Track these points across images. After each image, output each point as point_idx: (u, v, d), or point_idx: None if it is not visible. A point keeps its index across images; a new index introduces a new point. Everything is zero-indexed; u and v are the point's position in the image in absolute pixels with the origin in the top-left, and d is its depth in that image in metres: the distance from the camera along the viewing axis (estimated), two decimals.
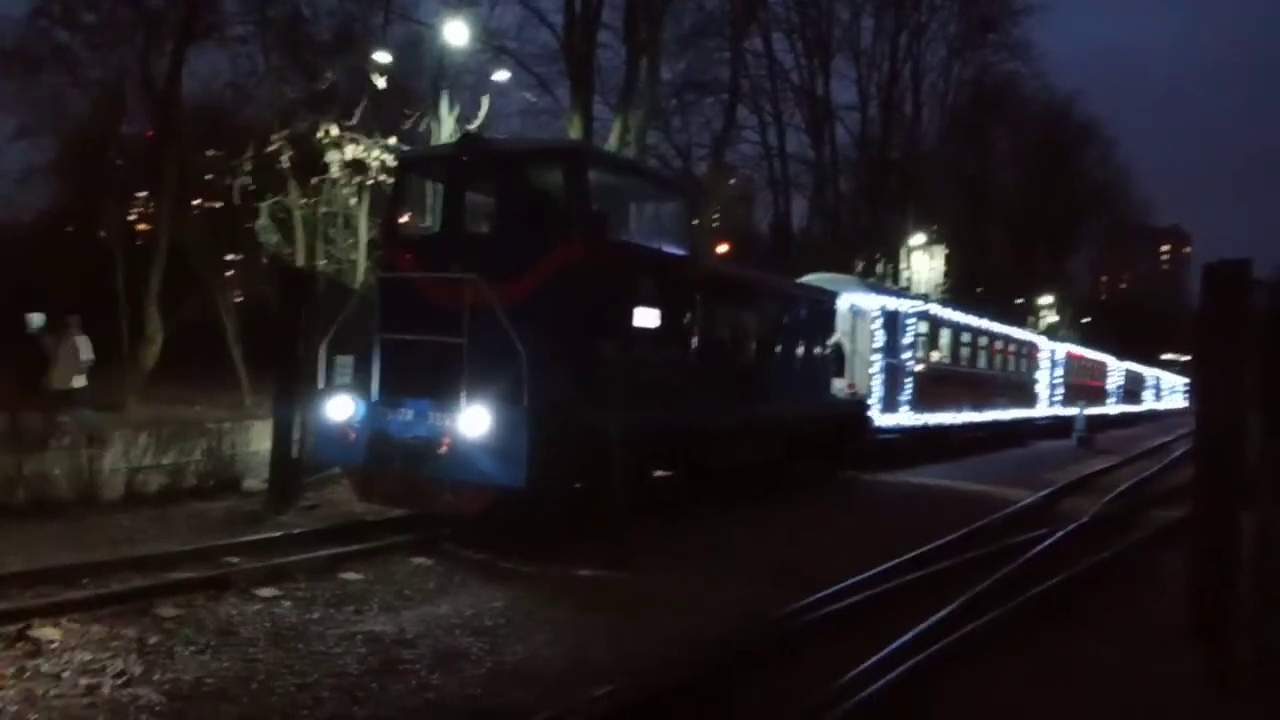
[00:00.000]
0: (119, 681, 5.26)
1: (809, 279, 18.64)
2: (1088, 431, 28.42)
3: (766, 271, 17.95)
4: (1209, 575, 6.63)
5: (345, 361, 10.14)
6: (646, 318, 9.93)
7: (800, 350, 14.36)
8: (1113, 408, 40.45)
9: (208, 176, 23.39)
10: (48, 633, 5.91)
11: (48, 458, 10.03)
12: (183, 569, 7.54)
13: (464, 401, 8.41)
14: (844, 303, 17.15)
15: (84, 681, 5.25)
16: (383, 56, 18.57)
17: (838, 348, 16.32)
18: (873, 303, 18.31)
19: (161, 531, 9.06)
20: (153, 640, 5.97)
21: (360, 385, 9.35)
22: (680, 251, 10.83)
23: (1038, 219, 53.08)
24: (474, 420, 8.35)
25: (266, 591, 7.13)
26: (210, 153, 22.55)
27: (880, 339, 18.09)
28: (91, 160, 26.05)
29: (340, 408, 9.13)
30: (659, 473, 11.42)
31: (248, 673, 5.52)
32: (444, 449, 8.47)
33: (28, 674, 5.31)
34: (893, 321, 18.49)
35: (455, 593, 7.49)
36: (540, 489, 8.43)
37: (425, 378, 8.81)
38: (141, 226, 30.62)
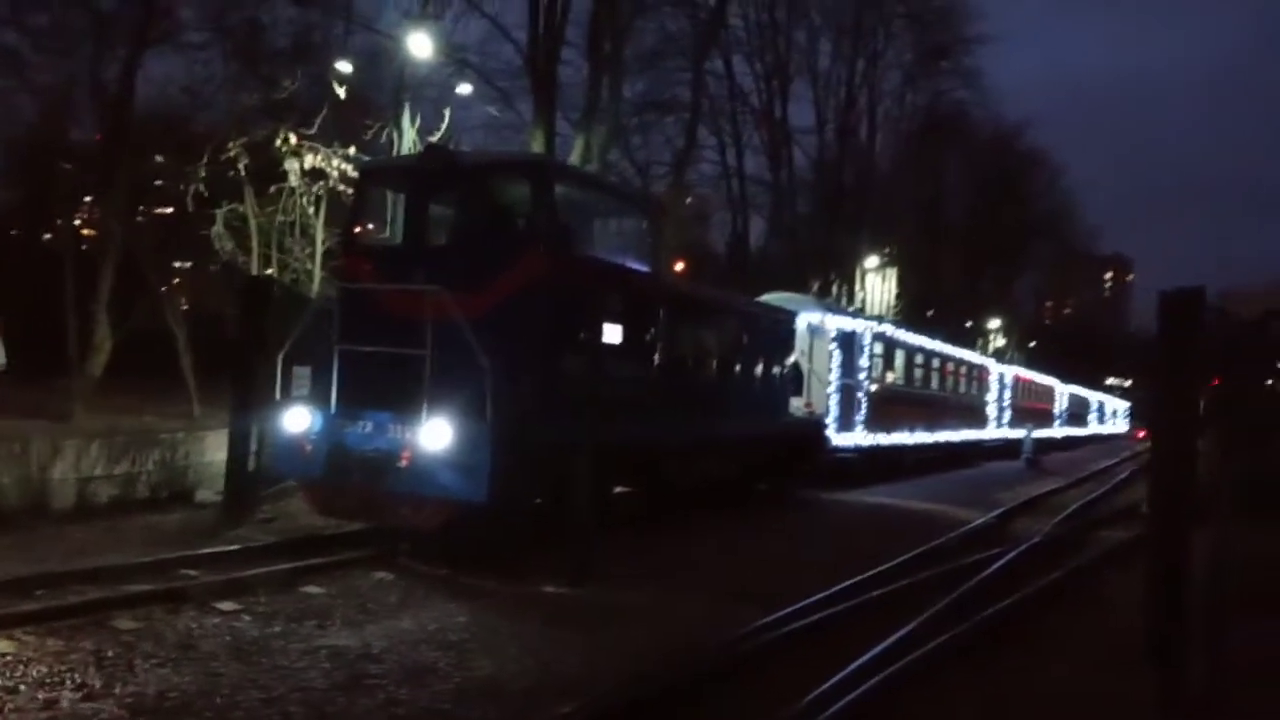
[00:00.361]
0: (78, 695, 5.15)
1: (768, 298, 18.80)
2: (1035, 453, 29.02)
3: (728, 290, 18.12)
4: (1163, 596, 6.79)
5: (303, 373, 10.03)
6: (609, 333, 9.93)
7: (760, 369, 14.47)
8: (1059, 430, 41.29)
9: (158, 182, 23.02)
10: (2, 645, 5.76)
11: None
12: (139, 581, 7.39)
13: (425, 414, 8.32)
14: (802, 322, 17.34)
15: (42, 695, 5.12)
16: (344, 66, 18.49)
17: (796, 367, 16.48)
18: (830, 323, 18.58)
19: (115, 543, 8.87)
20: (111, 653, 5.84)
21: (318, 397, 9.17)
22: (643, 267, 10.88)
23: (987, 243, 54.16)
24: (435, 433, 8.27)
25: (226, 605, 7.02)
26: (160, 159, 22.20)
27: (837, 359, 18.36)
28: (39, 165, 25.53)
29: (297, 419, 9.00)
30: (619, 489, 11.47)
31: (211, 686, 5.43)
32: (404, 462, 8.38)
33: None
34: (849, 342, 18.77)
35: (418, 607, 7.43)
36: (501, 504, 8.37)
37: (385, 390, 8.70)
38: (88, 232, 30.05)
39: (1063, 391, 43.92)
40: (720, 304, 14.14)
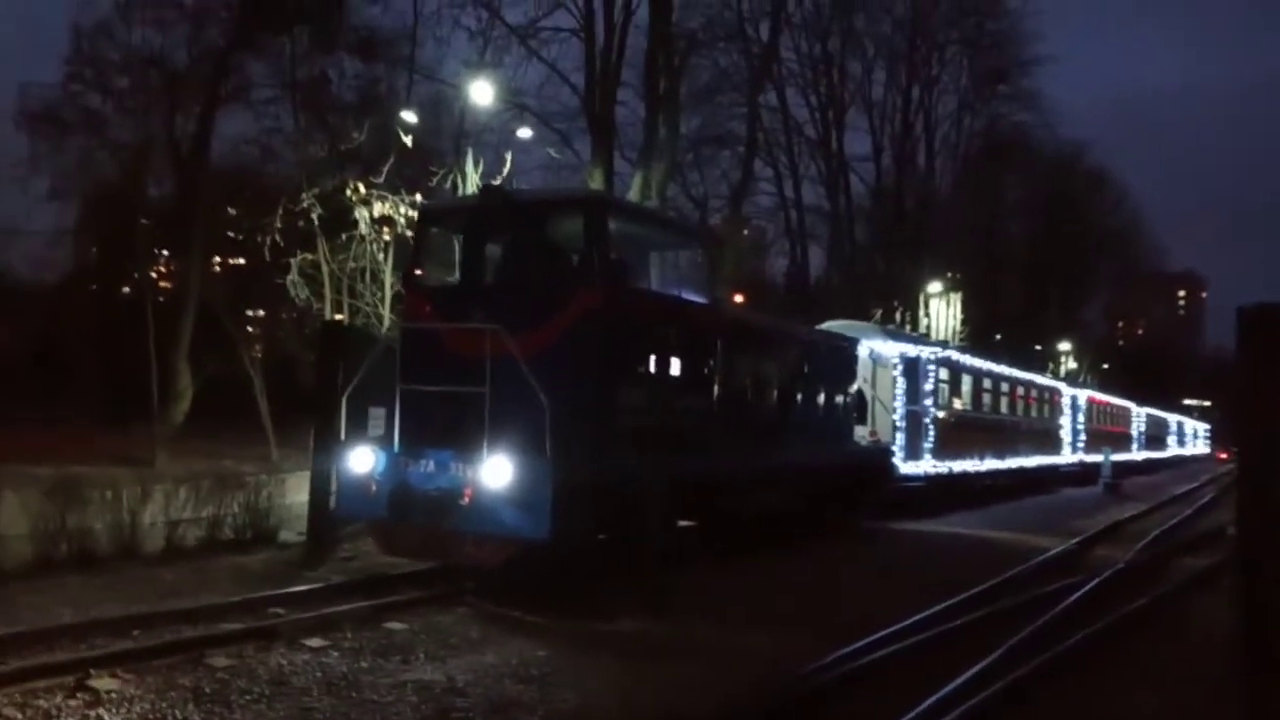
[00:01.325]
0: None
1: (829, 326, 18.67)
2: (1114, 478, 28.30)
3: (787, 319, 18.05)
4: (1253, 616, 6.63)
5: (378, 413, 10.24)
6: (669, 366, 9.87)
7: (822, 398, 14.27)
8: (1137, 454, 40.17)
9: (232, 235, 23.83)
10: (106, 683, 5.98)
11: (89, 511, 10.15)
12: (230, 620, 7.61)
13: (486, 452, 8.40)
14: (864, 349, 17.14)
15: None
16: (408, 115, 19.03)
17: (859, 395, 16.30)
18: (893, 349, 18.30)
19: (204, 583, 9.14)
20: (208, 690, 6.04)
21: (382, 436, 9.32)
22: (701, 299, 10.89)
23: (1050, 266, 53.31)
24: (496, 471, 8.32)
25: (314, 641, 7.19)
26: (233, 211, 23.03)
27: (901, 386, 18.05)
28: (117, 220, 26.62)
29: (362, 459, 9.13)
30: (682, 522, 11.44)
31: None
32: (466, 500, 8.46)
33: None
34: (913, 368, 18.47)
35: (499, 642, 7.53)
36: (563, 540, 8.35)
37: (446, 428, 8.80)
38: (164, 284, 31.17)
39: (1139, 413, 42.75)
40: (779, 333, 14.06)
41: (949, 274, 43.81)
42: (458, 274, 10.87)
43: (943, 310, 45.34)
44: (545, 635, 7.74)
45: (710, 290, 11.25)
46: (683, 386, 9.98)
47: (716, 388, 10.90)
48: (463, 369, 8.69)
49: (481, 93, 18.79)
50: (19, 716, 5.41)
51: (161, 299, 28.17)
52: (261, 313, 26.88)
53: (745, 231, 55.69)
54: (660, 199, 23.86)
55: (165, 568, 9.83)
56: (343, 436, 9.47)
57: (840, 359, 15.22)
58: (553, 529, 8.14)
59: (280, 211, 17.64)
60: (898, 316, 39.80)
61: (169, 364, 23.17)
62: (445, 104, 25.39)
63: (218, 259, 27.75)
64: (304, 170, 19.46)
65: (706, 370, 10.77)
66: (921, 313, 42.17)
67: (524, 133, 21.38)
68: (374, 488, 8.97)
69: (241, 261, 25.84)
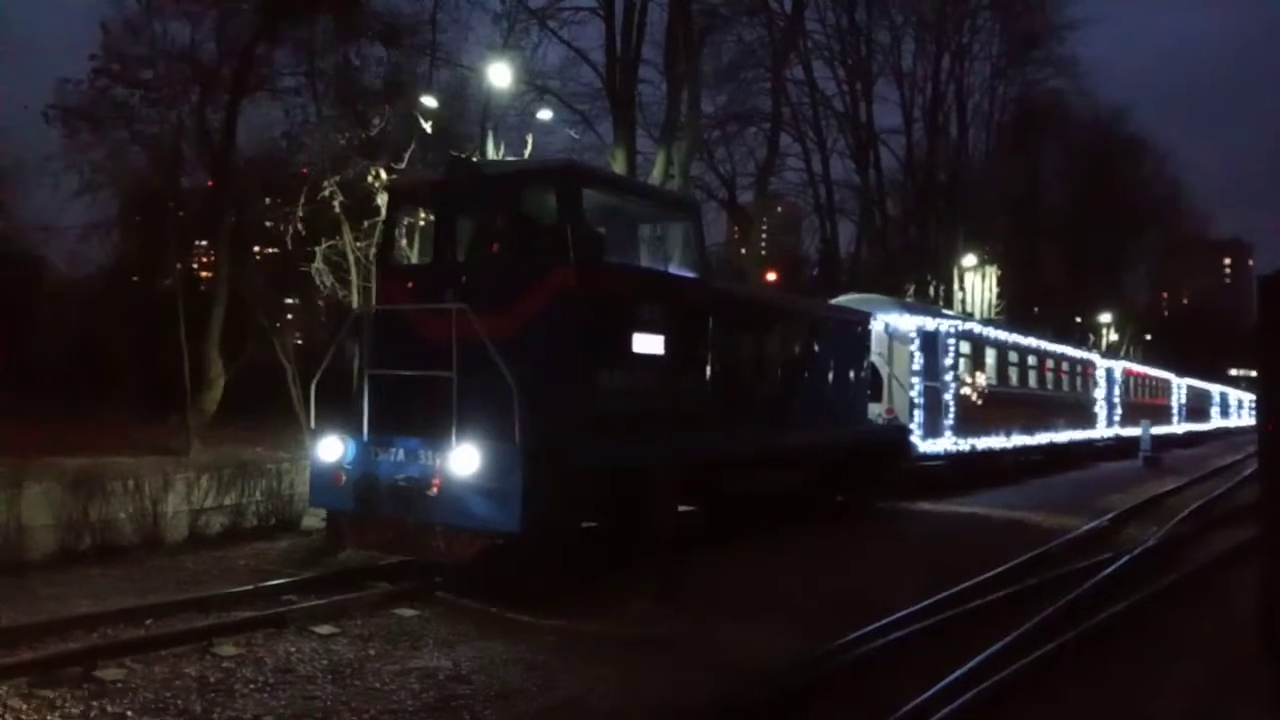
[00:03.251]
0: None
1: (843, 300, 18.15)
2: (1154, 451, 27.72)
3: (790, 292, 17.60)
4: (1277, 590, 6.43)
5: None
6: (652, 345, 9.38)
7: (831, 374, 13.76)
8: (1177, 426, 39.32)
9: (266, 224, 24.00)
10: (111, 673, 6.04)
11: (113, 502, 10.26)
12: (243, 608, 7.64)
13: (454, 440, 7.94)
14: (878, 324, 16.48)
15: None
16: (429, 101, 18.99)
17: (873, 370, 15.61)
18: (909, 323, 17.56)
19: (223, 572, 9.21)
20: (213, 679, 6.07)
21: (351, 425, 8.81)
22: (687, 273, 10.37)
23: (1090, 236, 52.29)
24: (464, 460, 7.87)
25: (324, 629, 7.21)
26: (266, 200, 23.17)
27: (919, 361, 17.33)
28: (153, 213, 26.92)
29: (330, 449, 8.70)
30: (682, 507, 10.71)
31: (304, 710, 5.59)
32: (434, 491, 8.01)
33: (93, 715, 5.42)
34: (931, 342, 17.75)
35: (508, 628, 7.48)
36: (538, 532, 7.89)
37: (416, 415, 8.42)
38: (205, 274, 31.55)
39: (1179, 384, 41.74)
40: (780, 308, 13.51)
41: (984, 247, 43.17)
42: (429, 252, 10.26)
43: (978, 284, 44.74)
44: (558, 619, 7.65)
45: (699, 263, 10.65)
46: (671, 365, 9.51)
47: (709, 366, 10.36)
48: (430, 352, 8.29)
49: (500, 75, 18.68)
50: (23, 708, 5.46)
51: (203, 288, 28.54)
52: (298, 301, 27.13)
53: (779, 209, 55.43)
54: (683, 178, 23.66)
55: (187, 556, 9.93)
56: (312, 425, 9.05)
57: (851, 334, 14.63)
58: (524, 520, 7.68)
59: (303, 200, 17.74)
60: (931, 291, 39.38)
61: (202, 354, 23.44)
62: (469, 89, 25.34)
63: (257, 249, 28.01)
64: (327, 157, 19.55)
65: (697, 348, 10.22)
66: (956, 287, 41.64)
67: (544, 114, 21.29)
68: (343, 478, 8.59)
69: (275, 251, 26.04)
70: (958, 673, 6.03)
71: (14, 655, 6.24)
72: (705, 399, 10.19)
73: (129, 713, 5.46)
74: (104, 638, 6.75)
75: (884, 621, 7.34)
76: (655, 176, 23.24)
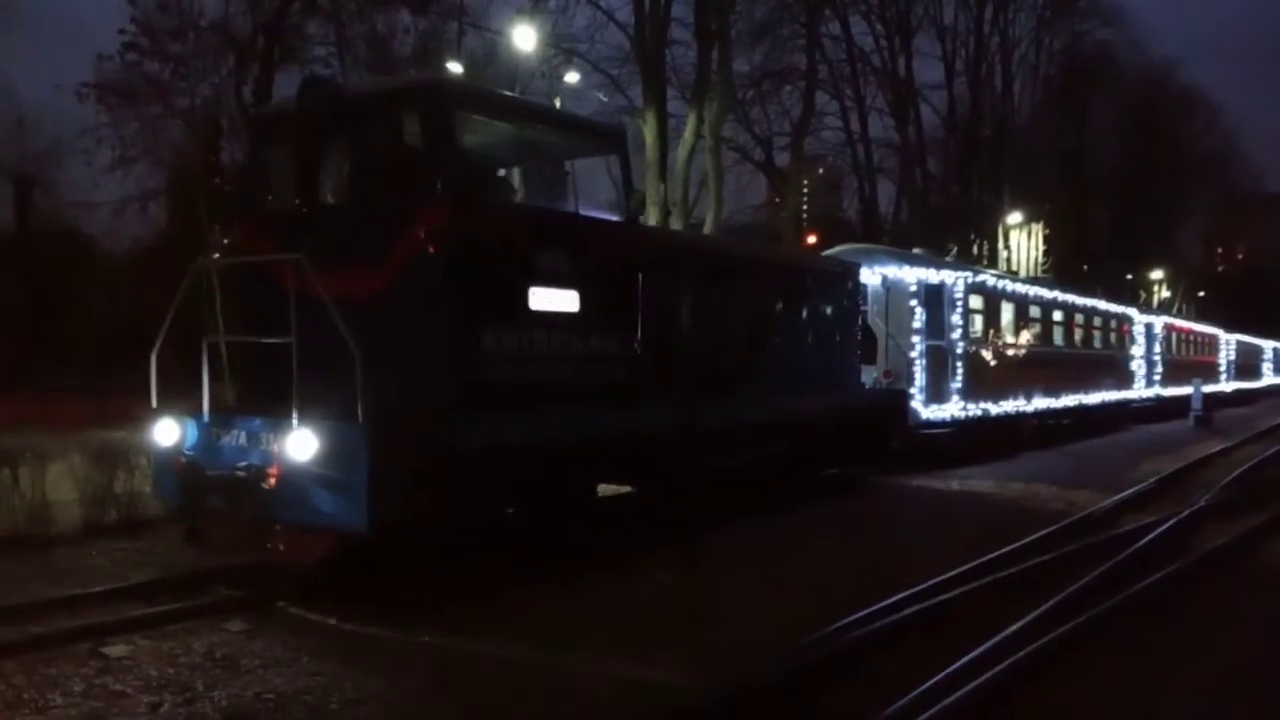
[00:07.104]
0: (180, 699, 5.25)
1: (832, 252, 16.59)
2: (1205, 410, 26.73)
3: (756, 242, 16.14)
4: None
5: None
6: (559, 300, 7.86)
7: (810, 334, 12.24)
8: (1226, 385, 37.87)
9: None
10: (118, 649, 5.97)
11: (138, 475, 10.24)
12: (253, 584, 7.51)
13: (295, 420, 6.57)
14: (872, 276, 14.92)
15: (146, 699, 5.25)
16: (455, 67, 18.78)
17: (866, 330, 13.99)
18: (910, 275, 15.75)
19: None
20: (219, 655, 5.97)
21: (193, 402, 7.41)
22: (608, 216, 9.07)
23: (1140, 192, 50.83)
24: (302, 443, 6.48)
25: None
26: None
27: (920, 317, 15.52)
28: (194, 186, 27.03)
29: (168, 432, 7.36)
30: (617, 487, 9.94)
31: (305, 688, 5.46)
32: (271, 482, 6.63)
33: (95, 692, 5.34)
34: (936, 296, 15.90)
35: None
36: (394, 529, 6.59)
37: (257, 390, 7.40)
38: None
39: (1228, 340, 39.97)
40: (737, 256, 11.79)
41: (1030, 204, 42.15)
42: (288, 195, 8.38)
43: (1024, 242, 43.74)
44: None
45: (623, 205, 9.27)
46: (586, 326, 8.09)
47: (641, 328, 8.70)
48: (271, 315, 6.94)
49: (524, 38, 18.40)
50: (27, 684, 5.39)
51: None
52: None
53: (821, 170, 54.52)
54: (715, 139, 23.20)
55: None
56: (154, 403, 7.55)
57: (836, 288, 12.90)
58: (374, 515, 6.32)
59: None
60: (975, 250, 38.56)
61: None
62: (497, 55, 25.06)
63: None
64: None
65: (624, 305, 8.60)
66: (1001, 245, 40.75)
67: (571, 77, 20.94)
68: (184, 463, 7.19)
69: None
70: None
71: (24, 631, 6.18)
72: (634, 366, 8.65)
73: (130, 690, 5.36)
74: (116, 613, 6.64)
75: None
76: (686, 138, 22.83)
